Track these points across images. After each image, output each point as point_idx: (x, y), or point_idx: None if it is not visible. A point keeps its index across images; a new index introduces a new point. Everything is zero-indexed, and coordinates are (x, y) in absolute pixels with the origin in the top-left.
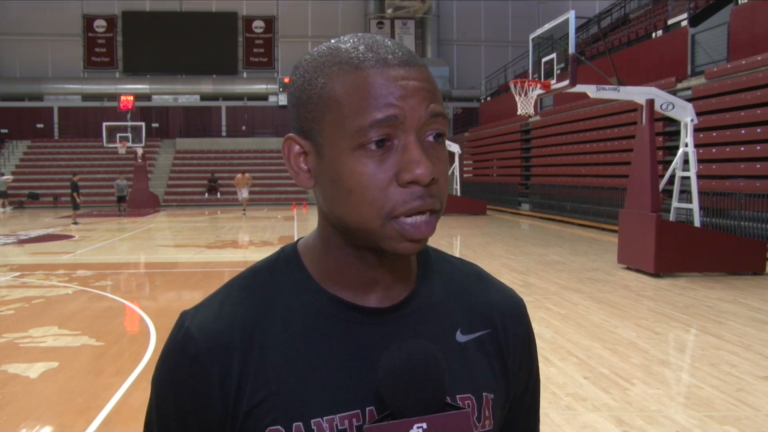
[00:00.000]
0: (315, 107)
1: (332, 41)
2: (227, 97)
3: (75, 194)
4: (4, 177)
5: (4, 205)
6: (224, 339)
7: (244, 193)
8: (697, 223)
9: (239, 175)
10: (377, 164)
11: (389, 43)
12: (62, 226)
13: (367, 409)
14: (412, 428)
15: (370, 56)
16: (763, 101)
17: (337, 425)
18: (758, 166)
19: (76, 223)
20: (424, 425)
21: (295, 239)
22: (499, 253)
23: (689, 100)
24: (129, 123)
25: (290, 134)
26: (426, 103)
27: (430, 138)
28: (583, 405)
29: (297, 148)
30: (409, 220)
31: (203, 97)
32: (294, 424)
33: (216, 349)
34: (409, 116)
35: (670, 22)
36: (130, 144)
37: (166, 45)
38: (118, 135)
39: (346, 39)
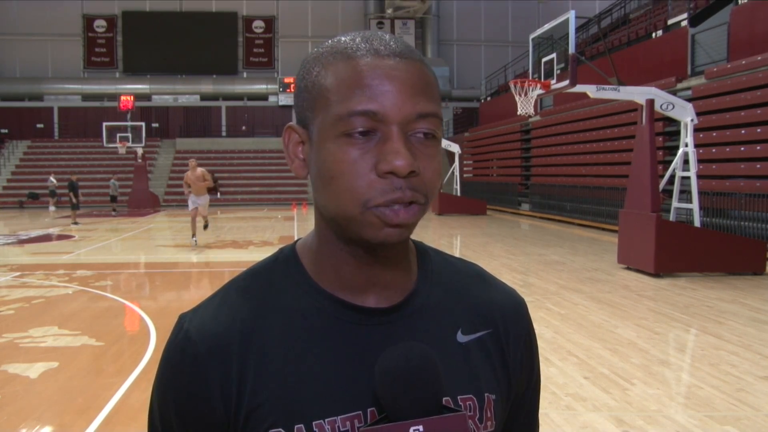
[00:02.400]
0: (309, 94)
1: (337, 36)
2: (227, 97)
3: (72, 194)
4: (52, 178)
5: (54, 204)
6: (223, 341)
7: (199, 201)
8: (697, 223)
9: (189, 172)
10: (360, 153)
11: (387, 37)
12: (62, 226)
13: (369, 410)
14: (408, 431)
15: (363, 46)
16: (763, 101)
17: (339, 427)
18: (758, 166)
19: (76, 223)
20: (421, 428)
21: (295, 239)
22: (499, 253)
23: (689, 100)
24: (129, 123)
25: (290, 123)
26: (414, 100)
27: (420, 135)
28: (583, 405)
29: (296, 137)
30: (387, 207)
31: (203, 97)
32: (295, 426)
33: (215, 350)
34: (391, 113)
35: (670, 22)
36: (130, 144)
37: (166, 45)
38: (118, 135)
39: (349, 33)
